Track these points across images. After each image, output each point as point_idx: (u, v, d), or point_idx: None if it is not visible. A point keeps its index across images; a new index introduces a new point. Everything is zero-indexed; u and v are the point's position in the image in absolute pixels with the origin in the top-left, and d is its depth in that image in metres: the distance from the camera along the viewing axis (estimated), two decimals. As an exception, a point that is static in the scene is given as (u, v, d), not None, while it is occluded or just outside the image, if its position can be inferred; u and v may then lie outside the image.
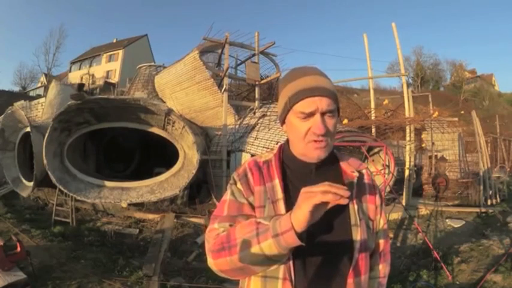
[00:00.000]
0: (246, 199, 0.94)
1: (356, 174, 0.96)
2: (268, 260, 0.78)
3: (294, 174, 0.96)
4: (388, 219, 6.88)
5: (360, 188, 0.97)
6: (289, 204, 0.89)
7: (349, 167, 0.98)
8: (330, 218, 0.79)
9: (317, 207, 0.71)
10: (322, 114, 0.88)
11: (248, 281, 0.94)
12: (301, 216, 0.72)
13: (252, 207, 0.93)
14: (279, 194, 0.91)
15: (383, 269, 1.03)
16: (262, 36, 9.25)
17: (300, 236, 0.73)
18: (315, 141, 0.88)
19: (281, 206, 0.89)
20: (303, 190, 0.74)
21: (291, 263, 0.86)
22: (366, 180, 1.00)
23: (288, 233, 0.73)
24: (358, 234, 0.90)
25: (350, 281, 0.88)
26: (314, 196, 0.70)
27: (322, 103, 0.87)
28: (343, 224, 0.91)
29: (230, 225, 0.88)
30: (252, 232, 0.78)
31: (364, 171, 1.02)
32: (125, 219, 6.78)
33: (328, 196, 0.69)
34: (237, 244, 0.80)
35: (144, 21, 79.55)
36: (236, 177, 0.98)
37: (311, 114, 0.87)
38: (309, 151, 0.90)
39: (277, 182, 0.93)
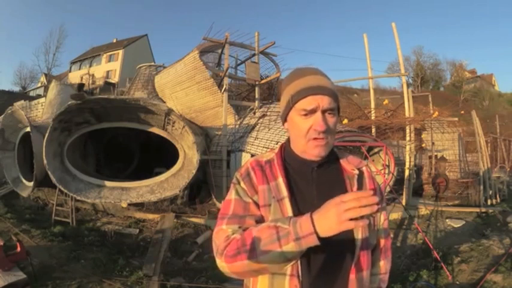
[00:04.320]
0: (251, 198, 0.95)
1: (356, 172, 0.99)
2: (288, 260, 0.82)
3: (295, 172, 0.98)
4: (388, 219, 6.89)
5: (360, 186, 0.99)
6: (294, 202, 0.92)
7: (349, 164, 1.01)
8: None
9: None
10: (323, 112, 0.90)
11: (255, 278, 0.95)
12: (329, 231, 0.75)
13: (258, 206, 0.95)
14: (284, 192, 0.93)
15: (384, 265, 1.06)
16: (262, 36, 9.24)
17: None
18: (316, 138, 0.90)
19: (287, 204, 0.91)
20: (334, 204, 0.75)
21: (298, 260, 0.88)
22: (366, 177, 1.03)
23: (310, 237, 0.76)
24: (359, 232, 0.93)
25: (352, 276, 0.91)
26: (344, 223, 0.72)
27: (324, 101, 0.89)
28: None
29: (239, 227, 0.90)
30: (273, 236, 0.80)
31: (364, 168, 1.04)
32: (125, 219, 6.79)
33: (358, 224, 0.72)
34: (255, 248, 0.81)
35: (144, 21, 79.72)
36: (239, 177, 0.99)
37: (312, 112, 0.90)
38: (309, 149, 0.93)
39: (281, 181, 0.94)
